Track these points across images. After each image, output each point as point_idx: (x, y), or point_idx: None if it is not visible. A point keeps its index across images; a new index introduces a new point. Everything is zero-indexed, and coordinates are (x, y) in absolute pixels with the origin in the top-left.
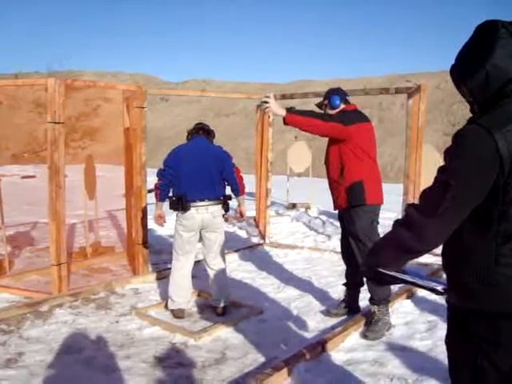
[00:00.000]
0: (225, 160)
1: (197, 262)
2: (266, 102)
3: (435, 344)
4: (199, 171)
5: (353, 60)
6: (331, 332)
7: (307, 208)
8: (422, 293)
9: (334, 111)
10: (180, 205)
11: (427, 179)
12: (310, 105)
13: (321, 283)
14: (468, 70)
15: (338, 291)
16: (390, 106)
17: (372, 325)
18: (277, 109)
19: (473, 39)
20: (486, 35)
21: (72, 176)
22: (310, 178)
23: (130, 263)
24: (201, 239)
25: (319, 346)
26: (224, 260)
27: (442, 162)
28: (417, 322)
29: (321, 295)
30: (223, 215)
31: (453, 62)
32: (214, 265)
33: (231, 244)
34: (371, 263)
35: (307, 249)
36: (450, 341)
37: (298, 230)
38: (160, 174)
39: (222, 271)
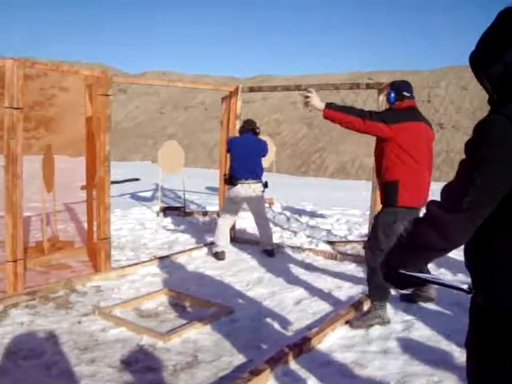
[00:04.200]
0: (264, 148)
1: (158, 259)
2: (308, 97)
3: (413, 344)
4: (246, 158)
5: (313, 57)
6: (308, 333)
7: (271, 203)
8: (394, 292)
9: (389, 106)
10: (231, 181)
11: None
12: (274, 99)
13: (291, 280)
14: (487, 58)
15: (309, 289)
16: (352, 103)
17: (362, 315)
18: (317, 103)
19: (493, 26)
20: (507, 22)
21: (25, 167)
22: (274, 173)
23: (91, 259)
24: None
25: (297, 347)
26: (267, 218)
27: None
28: (392, 321)
29: (292, 293)
30: (262, 191)
31: (473, 48)
32: (261, 221)
33: (196, 240)
34: (392, 264)
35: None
36: (472, 343)
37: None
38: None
39: (267, 225)
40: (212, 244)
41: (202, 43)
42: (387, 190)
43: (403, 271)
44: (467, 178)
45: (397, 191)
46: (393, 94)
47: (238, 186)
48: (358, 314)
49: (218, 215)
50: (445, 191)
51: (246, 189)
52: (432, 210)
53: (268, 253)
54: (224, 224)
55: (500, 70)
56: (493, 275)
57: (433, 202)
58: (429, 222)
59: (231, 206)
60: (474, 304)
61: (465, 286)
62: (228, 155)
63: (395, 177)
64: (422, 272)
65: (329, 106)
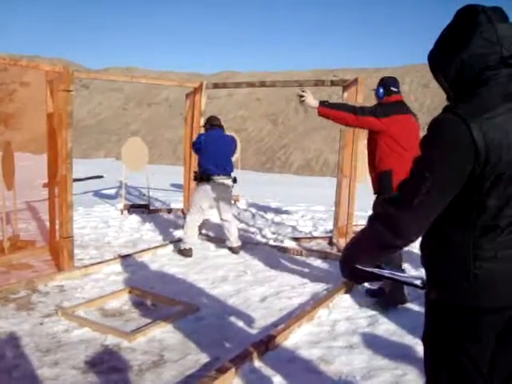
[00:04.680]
0: (234, 143)
1: (123, 258)
2: (302, 96)
3: (378, 339)
4: (218, 154)
5: (279, 53)
6: (274, 330)
7: (236, 200)
8: (359, 287)
9: (378, 100)
10: (203, 177)
11: (360, 173)
12: (239, 95)
13: (256, 278)
14: (444, 57)
15: (274, 286)
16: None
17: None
18: (311, 101)
19: (451, 25)
20: (464, 21)
21: None
22: (239, 169)
23: (53, 258)
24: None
25: (263, 344)
26: (232, 214)
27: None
28: (358, 316)
29: (258, 291)
30: (232, 187)
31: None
32: (227, 218)
33: (160, 238)
34: (347, 260)
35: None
36: (427, 338)
37: None
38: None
39: (233, 222)
40: (178, 241)
41: (167, 39)
42: (382, 180)
43: (359, 266)
44: (419, 175)
45: (391, 180)
46: (381, 90)
47: (211, 182)
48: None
49: (183, 212)
50: (398, 188)
51: (218, 185)
52: (384, 207)
53: (233, 250)
54: (193, 220)
55: (457, 69)
56: (445, 271)
57: (386, 198)
58: (381, 218)
59: (201, 202)
60: (427, 300)
61: (418, 282)
62: (192, 151)
63: (389, 166)
64: (378, 266)
65: (322, 103)
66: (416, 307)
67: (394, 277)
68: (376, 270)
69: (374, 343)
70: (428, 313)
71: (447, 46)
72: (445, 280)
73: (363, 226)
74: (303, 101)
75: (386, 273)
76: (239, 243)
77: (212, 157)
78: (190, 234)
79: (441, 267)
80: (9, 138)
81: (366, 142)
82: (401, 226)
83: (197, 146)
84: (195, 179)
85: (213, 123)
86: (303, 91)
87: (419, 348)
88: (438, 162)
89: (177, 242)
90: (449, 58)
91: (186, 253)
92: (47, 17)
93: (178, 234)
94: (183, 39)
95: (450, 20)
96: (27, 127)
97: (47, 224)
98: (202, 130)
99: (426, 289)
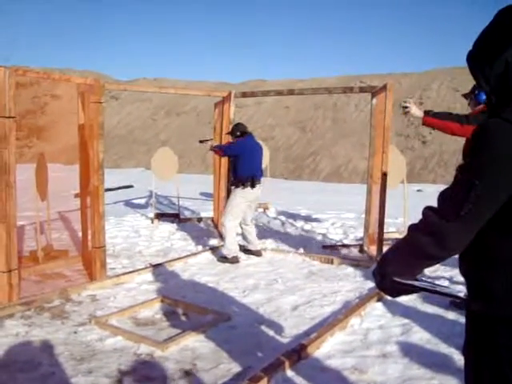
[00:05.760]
0: (262, 150)
1: (154, 267)
2: (406, 108)
3: (412, 348)
4: (257, 160)
5: (305, 61)
6: (306, 338)
7: (265, 208)
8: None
9: (478, 106)
10: (250, 183)
11: (390, 180)
12: (267, 104)
13: (287, 286)
14: (486, 57)
15: (305, 294)
16: (344, 106)
17: None
18: (416, 111)
19: (493, 25)
20: (507, 21)
21: (18, 175)
22: (268, 177)
23: (86, 268)
24: None
25: (295, 353)
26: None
27: (404, 163)
28: (391, 325)
29: (289, 299)
30: None
31: (470, 48)
32: (252, 223)
33: (191, 247)
34: (385, 272)
35: (269, 250)
36: (469, 350)
37: (257, 230)
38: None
39: (254, 227)
40: (212, 249)
41: (195, 49)
42: None
43: (397, 279)
44: (467, 184)
45: None
46: (484, 95)
47: (256, 187)
48: None
49: (213, 221)
50: (443, 197)
51: (258, 190)
52: (429, 217)
53: (257, 253)
54: (234, 228)
55: (500, 70)
56: (493, 282)
57: (429, 208)
58: (425, 229)
59: (243, 208)
60: (469, 312)
61: (462, 294)
62: (224, 158)
63: None
64: (416, 279)
65: (427, 113)
66: (449, 315)
67: (436, 289)
68: (416, 283)
69: (408, 352)
70: (469, 324)
71: (488, 45)
72: (490, 291)
73: (399, 236)
74: (407, 111)
75: (426, 285)
76: (259, 246)
77: (255, 162)
78: (232, 241)
79: (486, 278)
80: (41, 150)
81: (394, 147)
82: (447, 237)
83: (237, 152)
84: (236, 185)
85: (246, 130)
86: (407, 101)
87: (455, 357)
88: (489, 169)
89: (206, 251)
90: (492, 58)
91: (234, 260)
92: (77, 29)
93: (209, 242)
94: (211, 49)
95: (491, 20)
96: (58, 139)
97: (79, 234)
98: (230, 139)
99: (468, 300)
